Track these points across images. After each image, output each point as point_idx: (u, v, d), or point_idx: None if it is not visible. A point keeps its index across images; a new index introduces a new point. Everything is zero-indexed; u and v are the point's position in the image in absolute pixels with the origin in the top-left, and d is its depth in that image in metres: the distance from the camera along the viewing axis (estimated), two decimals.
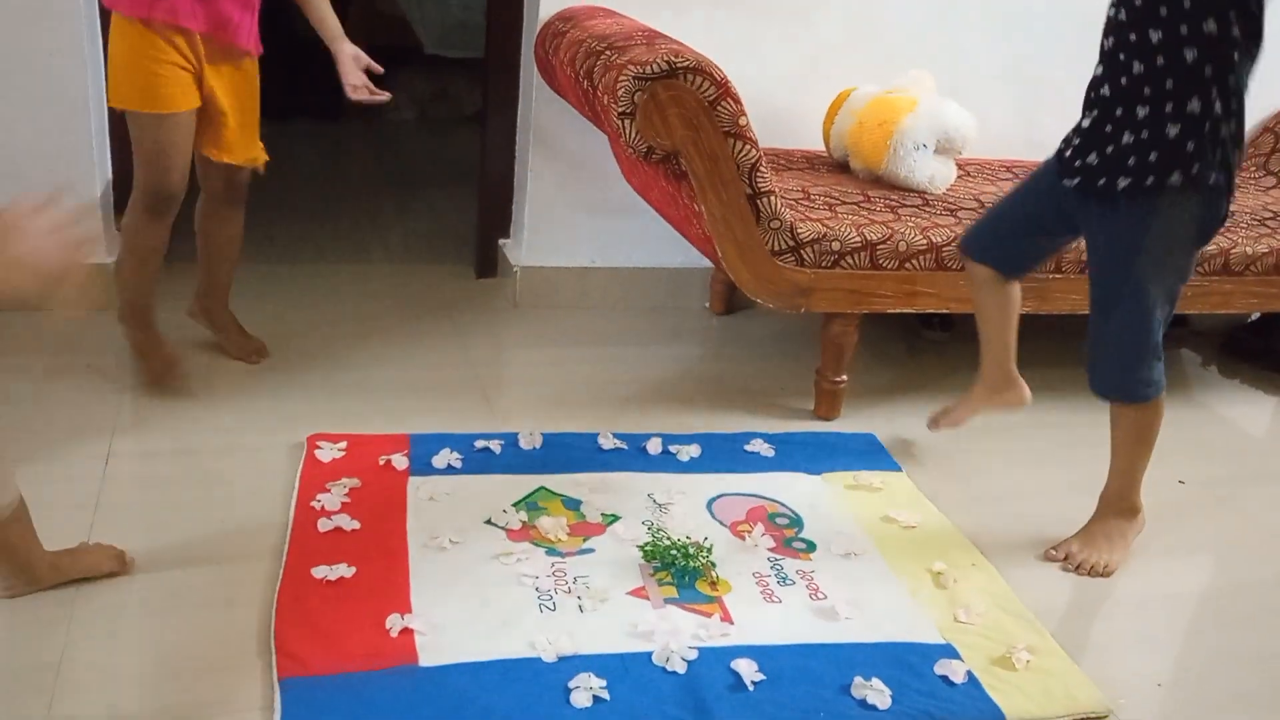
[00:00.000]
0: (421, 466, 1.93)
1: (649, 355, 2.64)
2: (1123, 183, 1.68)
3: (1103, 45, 1.72)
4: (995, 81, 2.88)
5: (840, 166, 2.68)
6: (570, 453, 2.05)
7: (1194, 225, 1.72)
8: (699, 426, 2.24)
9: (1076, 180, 1.76)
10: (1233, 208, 1.77)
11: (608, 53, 2.11)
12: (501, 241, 2.97)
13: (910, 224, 2.30)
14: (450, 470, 1.94)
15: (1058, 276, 2.36)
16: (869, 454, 2.20)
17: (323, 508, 1.77)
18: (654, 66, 1.96)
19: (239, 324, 2.33)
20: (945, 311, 2.40)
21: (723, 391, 2.47)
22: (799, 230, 2.18)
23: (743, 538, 1.84)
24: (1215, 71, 1.61)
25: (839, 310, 2.27)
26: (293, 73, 4.35)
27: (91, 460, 1.88)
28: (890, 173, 2.51)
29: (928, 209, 2.42)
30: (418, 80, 4.70)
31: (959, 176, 2.63)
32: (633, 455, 2.08)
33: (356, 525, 1.74)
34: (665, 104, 1.99)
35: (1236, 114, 1.67)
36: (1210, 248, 2.41)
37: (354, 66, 2.11)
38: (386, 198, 3.64)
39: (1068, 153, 1.79)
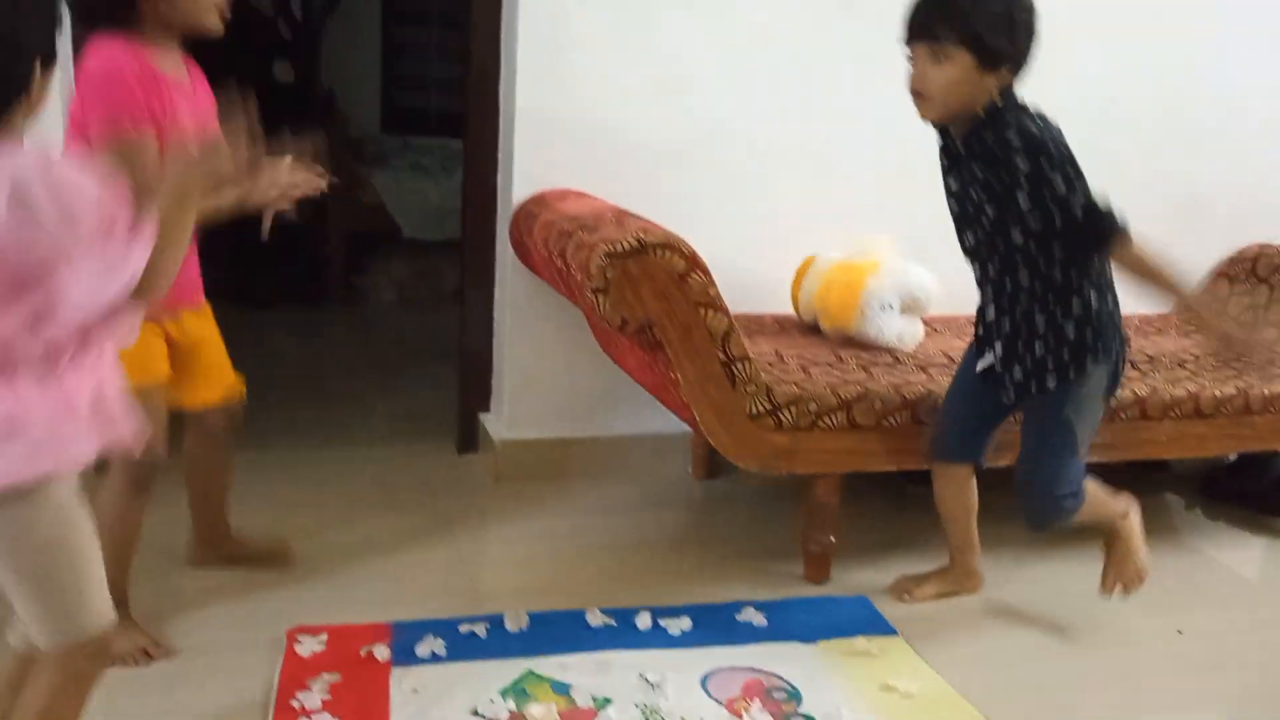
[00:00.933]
0: (404, 656, 1.88)
1: (634, 524, 2.61)
2: (1051, 382, 2.00)
3: (987, 293, 2.06)
4: (955, 240, 2.98)
5: (811, 328, 2.74)
6: (557, 633, 2.00)
7: (1106, 383, 2.05)
8: (689, 596, 2.20)
9: (1014, 393, 2.06)
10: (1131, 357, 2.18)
11: (579, 232, 2.18)
12: (482, 416, 2.98)
13: (884, 382, 2.34)
14: (434, 659, 1.88)
15: None
16: (864, 619, 2.16)
17: (303, 707, 1.70)
18: (624, 244, 2.03)
19: (251, 541, 2.24)
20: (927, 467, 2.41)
21: (710, 558, 2.44)
22: (775, 393, 2.20)
23: (740, 715, 1.78)
24: (1079, 272, 1.93)
25: (820, 471, 2.27)
26: (271, 261, 4.49)
27: None
28: (860, 333, 2.57)
29: (899, 366, 2.46)
30: (397, 263, 4.84)
31: (926, 333, 2.70)
32: (622, 632, 2.03)
33: None
34: (637, 278, 2.04)
35: (1110, 288, 1.99)
36: (1179, 391, 2.47)
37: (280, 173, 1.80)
38: (369, 379, 3.68)
39: (993, 371, 2.09)
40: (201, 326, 1.97)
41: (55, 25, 1.21)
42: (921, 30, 1.86)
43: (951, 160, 2.01)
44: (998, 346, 2.06)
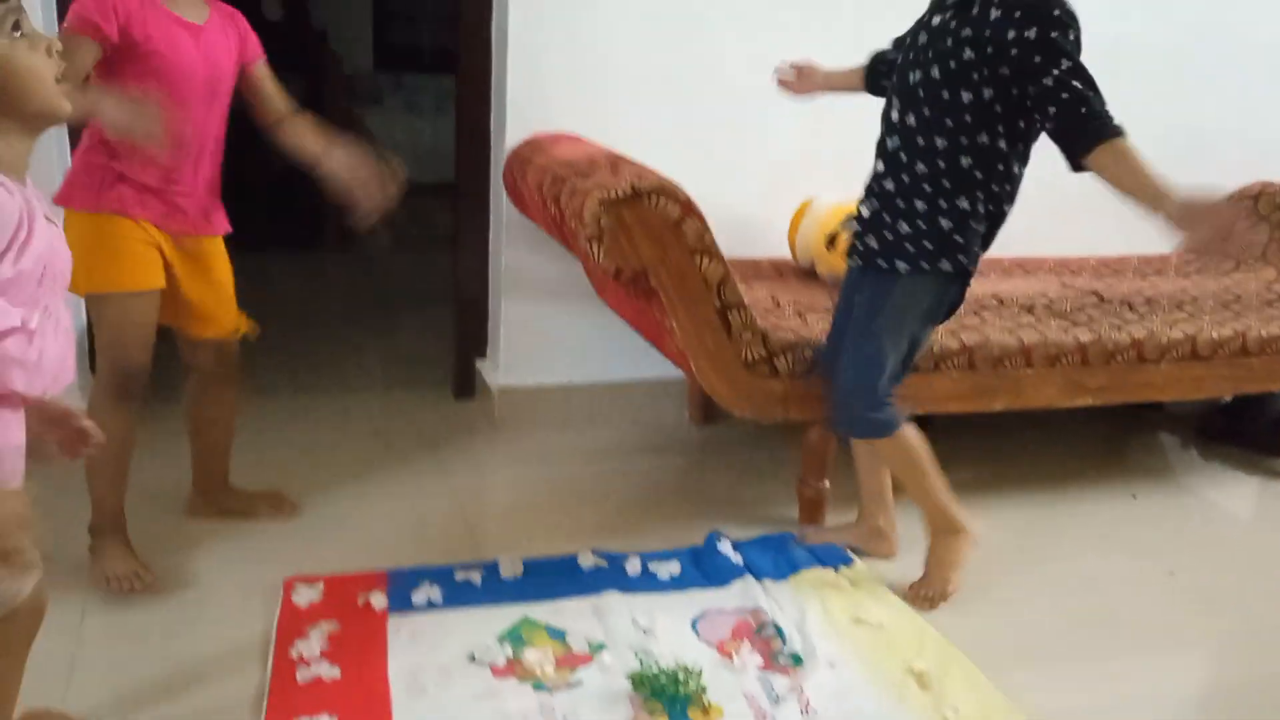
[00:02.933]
0: (401, 604, 1.90)
1: (631, 469, 2.63)
2: (901, 266, 1.90)
3: (885, 143, 1.94)
4: None
5: (808, 273, 2.72)
6: (552, 578, 2.02)
7: (933, 301, 1.94)
8: (683, 540, 2.22)
9: (858, 261, 1.98)
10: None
11: (573, 178, 2.15)
12: (479, 362, 2.98)
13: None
14: (430, 606, 1.90)
15: (1029, 370, 2.38)
16: (824, 550, 2.19)
17: (301, 656, 1.72)
18: (619, 190, 2.01)
19: (248, 492, 2.25)
20: (920, 413, 2.41)
21: (706, 502, 2.46)
22: (771, 340, 2.19)
23: (730, 657, 1.81)
24: (985, 176, 1.85)
25: (817, 418, 2.27)
26: (267, 203, 4.45)
27: (67, 614, 1.84)
28: None
29: None
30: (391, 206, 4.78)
31: None
32: (614, 575, 2.05)
33: (336, 673, 1.69)
34: (631, 226, 2.02)
35: (995, 213, 1.90)
36: (1176, 334, 2.46)
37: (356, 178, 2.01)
38: (365, 323, 3.67)
39: (851, 237, 2.01)
40: (209, 258, 2.00)
41: None
42: None
43: (936, 8, 1.90)
44: (864, 208, 1.98)
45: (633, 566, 2.08)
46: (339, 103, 4.74)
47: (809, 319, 2.34)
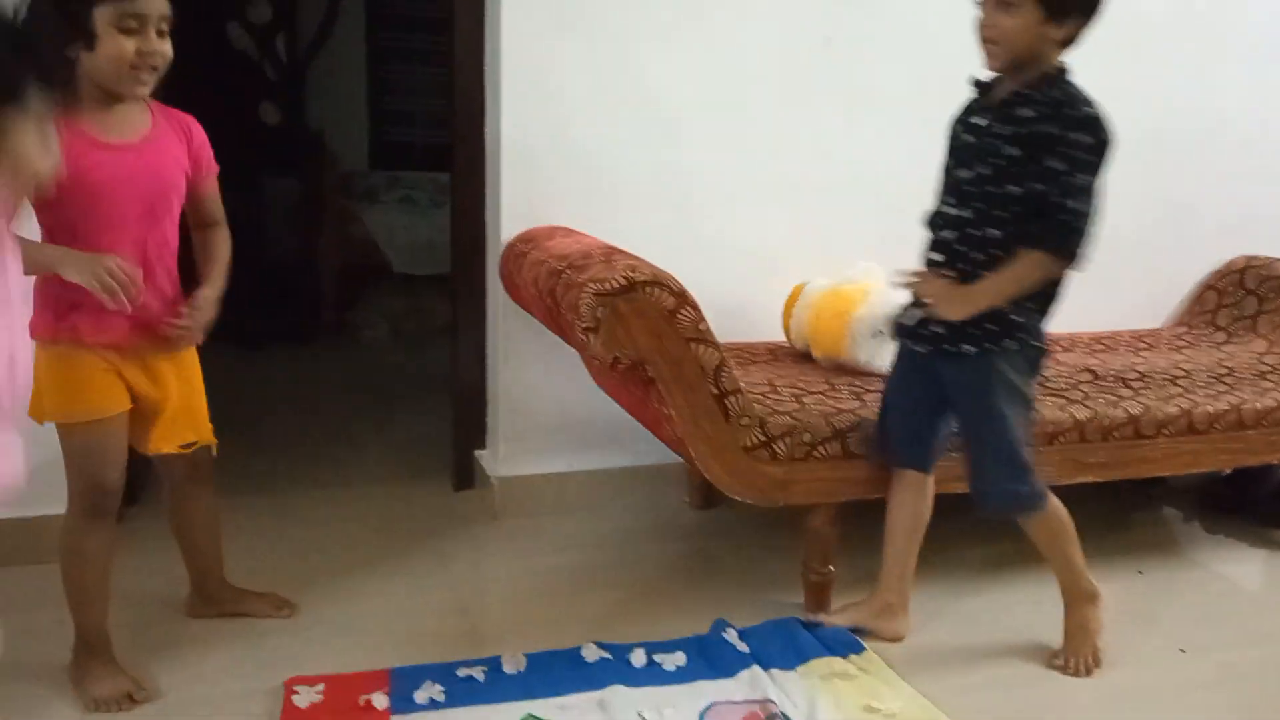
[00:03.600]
0: (403, 704, 1.86)
1: (632, 557, 2.61)
2: (988, 346, 1.97)
3: (941, 238, 2.02)
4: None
5: (803, 356, 2.74)
6: (555, 673, 1.99)
7: (1026, 363, 2.02)
8: (688, 629, 2.20)
9: (927, 348, 2.05)
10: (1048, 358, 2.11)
11: (568, 271, 2.19)
12: (478, 453, 2.98)
13: (876, 409, 2.33)
14: (433, 705, 1.87)
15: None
16: (833, 638, 2.17)
17: None
18: (613, 282, 2.04)
19: (246, 591, 2.22)
20: None
21: (709, 590, 2.43)
22: (769, 425, 2.20)
23: None
24: None
25: (817, 501, 2.27)
26: (262, 299, 4.49)
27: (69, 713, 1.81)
28: (852, 359, 2.58)
29: None
30: (389, 298, 4.85)
31: None
32: (619, 667, 2.02)
33: None
34: (627, 317, 2.05)
35: (1050, 292, 1.98)
36: (1172, 409, 2.48)
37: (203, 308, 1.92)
38: (364, 416, 3.67)
39: (910, 321, 2.09)
40: (174, 373, 1.93)
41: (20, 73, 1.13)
42: None
43: (986, 105, 1.99)
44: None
45: (637, 658, 2.05)
46: (335, 200, 4.83)
47: (806, 402, 2.35)
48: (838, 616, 2.25)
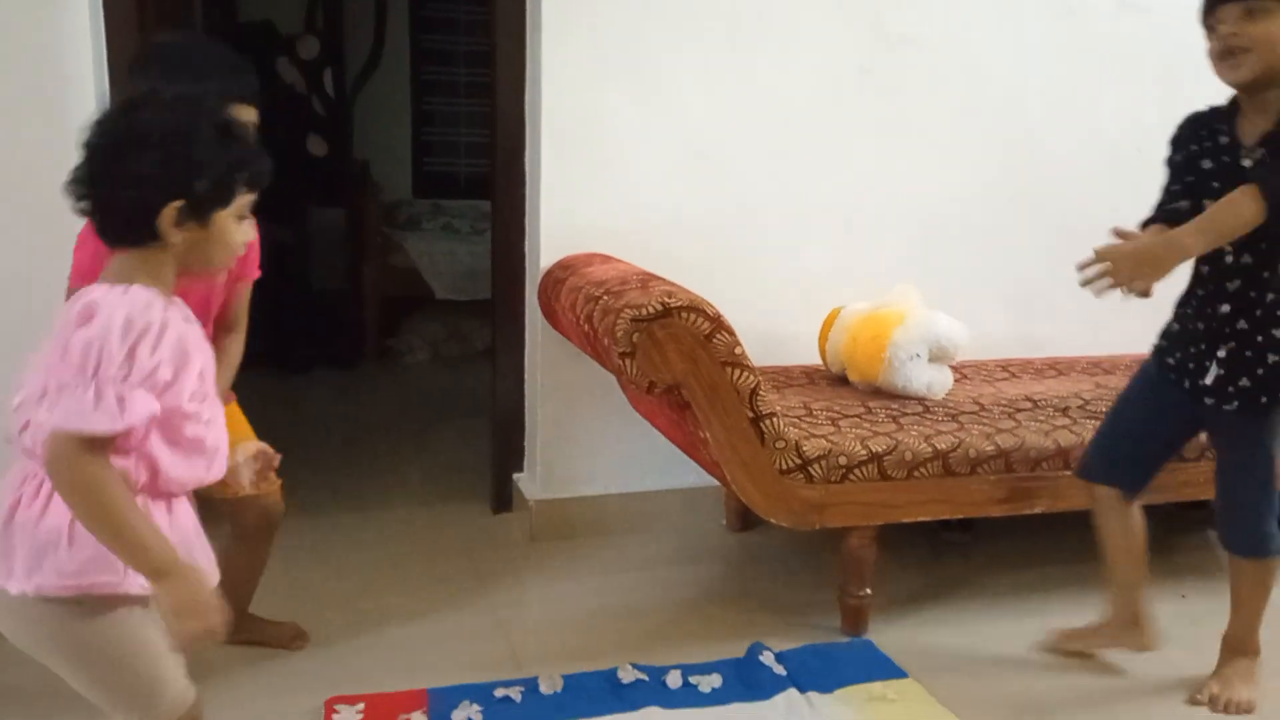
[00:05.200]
0: None
1: (669, 579, 2.62)
2: (1264, 401, 1.93)
3: (1225, 288, 1.94)
4: (980, 288, 3.00)
5: (839, 380, 2.75)
6: (591, 694, 2.01)
7: None
8: (724, 651, 2.20)
9: (1235, 404, 1.96)
10: None
11: (605, 297, 2.23)
12: (516, 476, 3.01)
13: (914, 433, 2.34)
14: None
15: (1066, 473, 2.36)
16: (872, 662, 2.17)
17: None
18: (649, 308, 2.07)
19: (265, 620, 2.24)
20: (960, 517, 2.41)
21: (746, 612, 2.44)
22: (804, 448, 2.22)
23: None
24: None
25: (853, 524, 2.28)
26: (308, 325, 4.59)
27: None
28: (888, 383, 2.58)
29: (929, 416, 2.47)
30: (430, 324, 4.92)
31: (956, 380, 2.70)
32: (654, 689, 2.04)
33: None
34: (663, 342, 2.08)
35: None
36: None
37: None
38: (404, 440, 3.73)
39: (1207, 380, 1.98)
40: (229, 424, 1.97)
41: (191, 175, 1.25)
42: None
43: (1235, 150, 1.90)
44: (1222, 350, 1.96)
45: (673, 680, 2.06)
46: (378, 229, 4.93)
47: (841, 425, 2.36)
48: (1078, 639, 2.23)
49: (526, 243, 2.86)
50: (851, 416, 2.44)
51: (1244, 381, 1.94)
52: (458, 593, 2.51)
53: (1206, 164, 1.93)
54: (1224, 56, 1.83)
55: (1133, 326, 2.70)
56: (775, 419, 2.19)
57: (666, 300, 2.07)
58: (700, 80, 2.76)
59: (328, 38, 5.25)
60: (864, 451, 2.25)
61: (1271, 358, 1.92)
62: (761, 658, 2.15)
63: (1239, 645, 2.12)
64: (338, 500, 3.09)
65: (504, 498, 3.02)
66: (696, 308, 2.09)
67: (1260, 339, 1.92)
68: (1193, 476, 2.45)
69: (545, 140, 2.69)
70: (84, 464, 1.18)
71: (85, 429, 1.17)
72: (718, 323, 2.10)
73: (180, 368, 1.26)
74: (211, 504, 1.98)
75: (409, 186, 5.90)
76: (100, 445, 1.19)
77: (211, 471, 1.36)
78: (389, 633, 2.29)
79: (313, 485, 3.14)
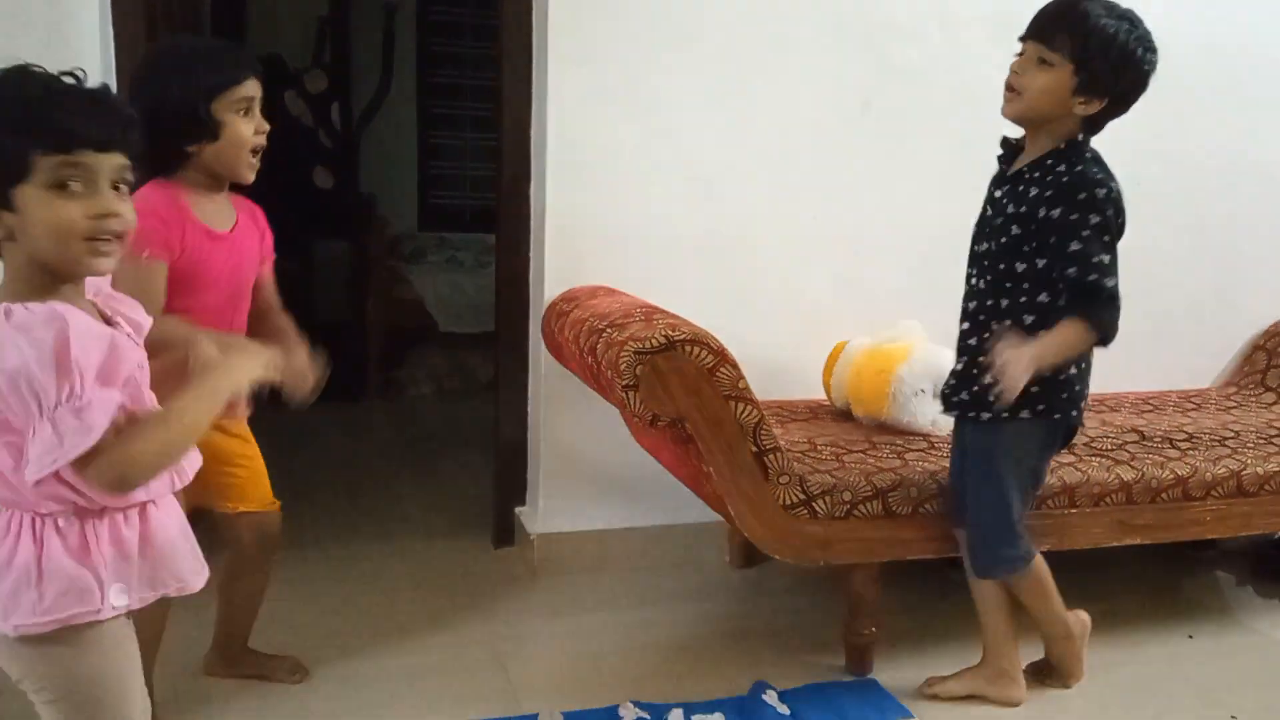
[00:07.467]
0: None
1: (671, 615, 2.60)
2: (984, 415, 2.03)
3: (967, 305, 2.08)
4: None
5: (843, 414, 2.74)
6: None
7: (1044, 435, 2.05)
8: (727, 689, 2.18)
9: (956, 412, 2.11)
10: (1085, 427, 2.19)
11: (609, 330, 2.22)
12: (518, 510, 3.00)
13: (918, 469, 2.33)
14: None
15: (1073, 511, 2.35)
16: (877, 702, 2.14)
17: None
18: (653, 341, 2.07)
19: (264, 655, 2.22)
20: None
21: (749, 650, 2.41)
22: (809, 483, 2.20)
23: None
24: (1048, 330, 1.91)
25: (858, 560, 2.26)
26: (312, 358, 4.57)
27: None
28: (893, 419, 2.57)
29: (934, 452, 2.45)
30: (434, 356, 4.92)
31: None
32: None
33: None
34: (666, 375, 2.07)
35: (1086, 355, 2.00)
36: (1221, 470, 2.44)
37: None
38: (406, 473, 3.71)
39: (947, 391, 2.14)
40: (238, 437, 1.99)
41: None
42: (1039, 32, 1.91)
43: (1004, 176, 2.04)
44: (957, 364, 2.11)
45: (676, 719, 2.03)
46: (384, 261, 4.95)
47: (846, 461, 2.35)
48: (951, 684, 2.22)
49: (531, 274, 2.86)
50: (856, 452, 2.43)
51: (964, 395, 2.05)
52: (458, 628, 2.49)
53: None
54: (1006, 87, 1.94)
55: (1138, 361, 2.71)
56: (779, 454, 2.18)
57: (670, 333, 2.07)
58: (704, 113, 2.77)
59: (335, 72, 5.30)
60: (868, 487, 2.24)
61: (988, 378, 1.92)
62: (765, 696, 2.12)
63: (1053, 638, 2.21)
64: (339, 533, 3.07)
65: (506, 531, 3.00)
66: (700, 341, 2.09)
67: (984, 359, 1.95)
68: (1199, 515, 2.44)
69: (550, 173, 2.71)
70: (104, 468, 1.16)
71: (73, 455, 1.15)
72: (721, 356, 2.10)
73: (110, 351, 1.19)
74: (214, 525, 2.00)
75: (415, 219, 5.93)
76: (97, 447, 1.15)
77: (180, 474, 1.33)
78: (389, 666, 2.27)
79: (314, 518, 3.13)
